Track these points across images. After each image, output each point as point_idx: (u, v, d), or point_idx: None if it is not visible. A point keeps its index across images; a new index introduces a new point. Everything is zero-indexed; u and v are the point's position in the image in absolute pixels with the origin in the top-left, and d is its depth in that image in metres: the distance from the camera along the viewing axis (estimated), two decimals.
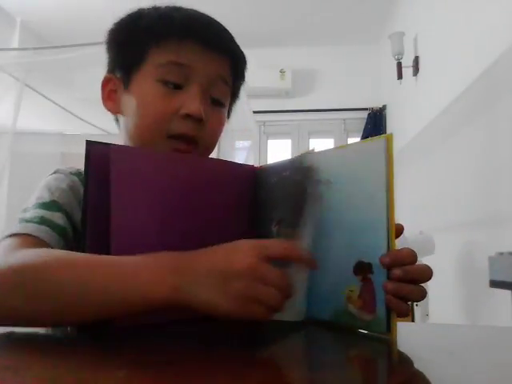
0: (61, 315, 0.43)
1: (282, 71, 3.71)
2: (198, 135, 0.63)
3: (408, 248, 0.46)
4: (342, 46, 3.84)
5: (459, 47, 2.06)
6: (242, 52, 0.69)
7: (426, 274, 0.45)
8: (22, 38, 3.24)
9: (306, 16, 3.48)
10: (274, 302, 0.42)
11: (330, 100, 3.71)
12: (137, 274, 0.43)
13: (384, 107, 3.63)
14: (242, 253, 0.43)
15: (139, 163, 0.51)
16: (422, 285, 0.45)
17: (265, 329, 0.49)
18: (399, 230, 0.47)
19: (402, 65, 2.77)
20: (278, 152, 3.92)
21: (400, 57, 2.78)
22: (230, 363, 0.35)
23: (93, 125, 3.63)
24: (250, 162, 0.97)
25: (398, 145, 3.25)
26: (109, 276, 0.43)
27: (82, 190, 0.59)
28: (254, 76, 3.17)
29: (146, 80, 0.64)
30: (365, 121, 3.67)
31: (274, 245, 0.45)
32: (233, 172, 0.59)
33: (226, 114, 0.71)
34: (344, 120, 3.81)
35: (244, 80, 0.74)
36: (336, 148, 0.53)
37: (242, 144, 3.51)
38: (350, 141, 3.85)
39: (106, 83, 0.71)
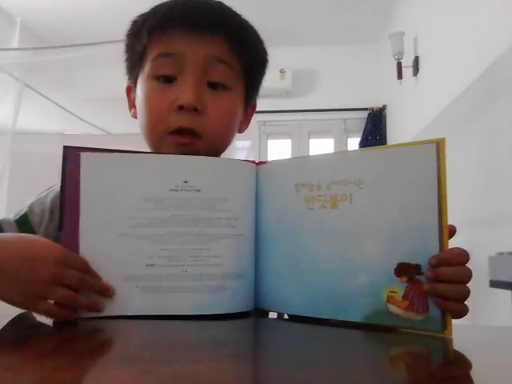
0: None
1: (281, 71, 3.71)
2: (198, 126, 0.60)
3: (458, 248, 0.46)
4: (342, 45, 3.84)
5: (459, 47, 2.06)
6: (241, 25, 0.65)
7: (463, 275, 0.45)
8: (22, 37, 3.24)
9: (305, 16, 3.47)
10: (71, 302, 0.48)
11: (330, 100, 3.71)
12: None
13: (384, 107, 3.63)
14: (45, 263, 0.47)
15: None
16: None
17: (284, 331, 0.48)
18: (452, 232, 0.47)
19: (402, 65, 2.77)
20: (278, 152, 3.92)
21: (400, 57, 2.78)
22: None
23: (93, 125, 3.64)
24: None
25: None
26: None
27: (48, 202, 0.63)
28: None
29: (144, 79, 0.63)
30: (365, 121, 3.66)
31: (73, 258, 0.49)
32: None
33: (238, 98, 0.66)
34: (344, 120, 3.81)
35: (259, 53, 0.68)
36: (371, 148, 0.52)
37: (241, 144, 3.52)
38: (350, 141, 3.85)
39: (128, 92, 0.72)
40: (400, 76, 2.78)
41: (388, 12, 3.35)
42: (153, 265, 0.52)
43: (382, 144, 3.54)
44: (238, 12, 0.67)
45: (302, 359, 0.36)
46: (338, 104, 3.70)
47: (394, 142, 3.36)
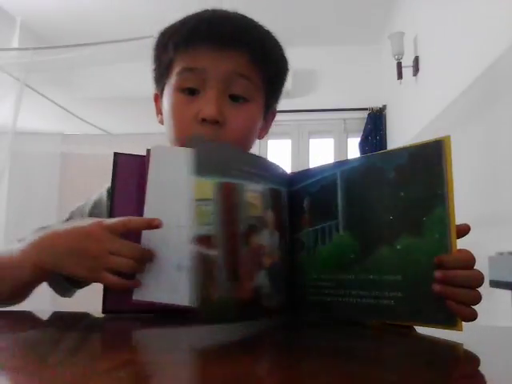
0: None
1: None
2: (219, 136, 0.64)
3: (466, 251, 0.46)
4: (342, 46, 3.84)
5: (459, 47, 2.06)
6: (262, 40, 0.68)
7: (474, 279, 0.45)
8: (22, 37, 3.23)
9: (306, 16, 3.47)
10: (126, 268, 0.53)
11: (330, 100, 3.71)
12: (12, 260, 0.58)
13: (384, 107, 3.63)
14: (94, 237, 0.54)
15: (137, 170, 0.58)
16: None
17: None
18: (464, 231, 0.47)
19: (402, 65, 2.77)
20: (278, 152, 3.92)
21: (400, 57, 2.78)
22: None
23: (93, 125, 3.63)
24: None
25: (397, 145, 3.25)
26: (5, 263, 0.59)
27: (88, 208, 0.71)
28: None
29: (170, 90, 0.68)
30: (365, 121, 3.66)
31: (118, 223, 0.54)
32: None
33: (258, 109, 0.69)
34: (344, 120, 3.81)
35: (280, 64, 0.72)
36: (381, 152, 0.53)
37: None
38: (350, 141, 3.85)
39: (155, 100, 0.76)
40: (400, 76, 2.78)
41: (388, 12, 3.35)
42: None
43: (382, 144, 3.54)
44: (254, 19, 0.69)
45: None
46: (338, 104, 3.70)
47: (394, 143, 3.37)
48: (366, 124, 3.65)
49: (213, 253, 0.44)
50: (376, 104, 3.65)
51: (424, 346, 0.45)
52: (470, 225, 0.49)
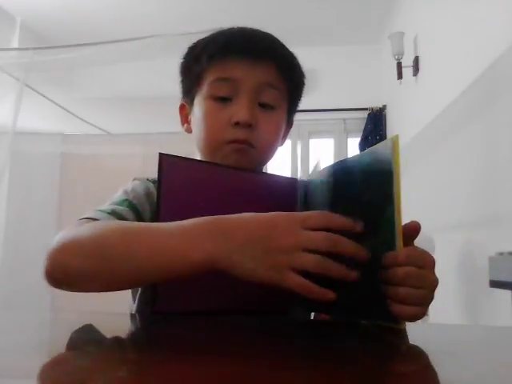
0: (120, 279, 0.49)
1: None
2: (251, 138, 0.69)
3: (408, 250, 0.47)
4: (342, 46, 3.84)
5: (459, 47, 2.06)
6: (288, 54, 0.74)
7: (411, 277, 0.45)
8: (22, 37, 3.23)
9: (305, 16, 3.47)
10: (323, 269, 0.44)
11: (330, 100, 3.71)
12: (170, 241, 0.47)
13: (384, 107, 3.63)
14: (282, 228, 0.45)
15: (185, 174, 0.59)
16: None
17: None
18: (414, 229, 0.48)
19: (402, 65, 2.77)
20: (278, 152, 3.91)
21: (400, 57, 2.78)
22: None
23: (93, 125, 3.63)
24: None
25: None
26: (150, 244, 0.48)
27: (155, 195, 0.62)
28: None
29: (202, 98, 0.72)
30: (365, 121, 3.66)
31: (313, 216, 0.47)
32: (273, 185, 0.65)
33: (283, 116, 0.75)
34: (344, 120, 3.80)
35: (301, 77, 0.78)
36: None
37: None
38: (350, 141, 3.85)
39: (181, 109, 0.81)
40: (400, 76, 2.78)
41: (388, 12, 3.35)
42: None
43: None
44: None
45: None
46: (338, 104, 3.70)
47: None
48: (366, 124, 3.65)
49: None
50: (376, 104, 3.65)
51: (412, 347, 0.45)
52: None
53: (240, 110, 0.69)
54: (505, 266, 1.25)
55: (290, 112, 0.78)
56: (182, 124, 0.81)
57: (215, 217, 0.47)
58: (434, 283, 0.47)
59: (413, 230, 0.48)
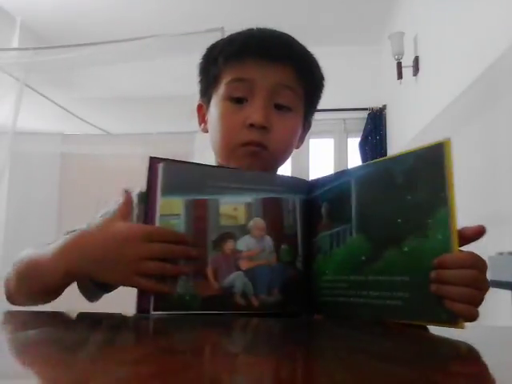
0: (32, 294, 0.63)
1: None
2: (265, 140, 0.70)
3: (464, 252, 0.48)
4: (341, 46, 3.84)
5: (459, 47, 2.06)
6: (305, 55, 0.74)
7: (466, 277, 0.46)
8: (22, 37, 3.23)
9: (305, 16, 3.48)
10: (157, 272, 0.54)
11: (330, 100, 3.68)
12: (48, 260, 0.58)
13: (384, 107, 3.63)
14: (127, 242, 0.55)
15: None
16: None
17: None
18: (478, 232, 0.48)
19: (402, 65, 2.78)
20: None
21: (400, 57, 2.78)
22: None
23: (93, 125, 3.64)
24: None
25: (397, 145, 3.25)
26: (41, 266, 0.60)
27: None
28: None
29: (218, 99, 0.72)
30: (365, 121, 3.66)
31: (155, 231, 0.56)
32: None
33: (299, 118, 0.75)
34: (344, 120, 3.81)
35: (318, 79, 0.78)
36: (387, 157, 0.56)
37: None
38: (350, 141, 3.85)
39: (199, 109, 0.81)
40: (400, 76, 2.78)
41: (388, 12, 3.35)
42: None
43: (382, 144, 3.54)
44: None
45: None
46: (338, 104, 3.70)
47: (394, 143, 3.37)
48: (366, 124, 3.65)
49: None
50: (376, 104, 3.65)
51: (427, 345, 0.45)
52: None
53: (255, 112, 0.69)
54: (505, 266, 1.25)
55: (307, 114, 0.78)
56: (200, 124, 0.81)
57: (79, 234, 0.60)
58: (486, 286, 0.48)
59: (477, 233, 0.49)
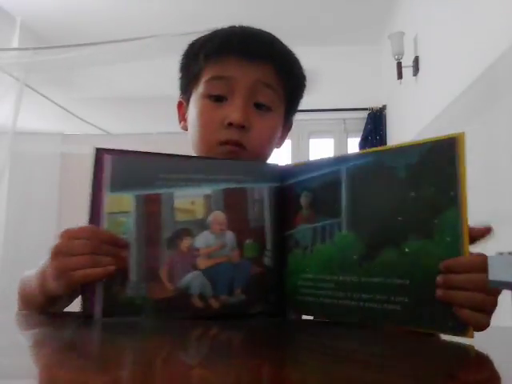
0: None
1: None
2: (244, 140, 0.68)
3: (473, 255, 0.45)
4: (342, 46, 3.83)
5: (459, 47, 2.06)
6: (287, 55, 0.73)
7: (474, 282, 0.44)
8: (22, 37, 3.23)
9: (305, 16, 3.47)
10: (83, 264, 0.51)
11: (330, 100, 3.70)
12: (34, 283, 0.58)
13: (384, 107, 3.63)
14: (59, 241, 0.53)
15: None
16: None
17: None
18: (481, 233, 0.46)
19: (402, 65, 2.77)
20: (278, 152, 3.91)
21: (400, 57, 2.77)
22: None
23: (93, 125, 3.63)
24: None
25: None
26: (30, 287, 0.60)
27: None
28: None
29: (198, 97, 0.71)
30: (365, 121, 3.66)
31: (83, 229, 0.53)
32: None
33: (279, 118, 0.74)
34: (344, 120, 3.80)
35: (300, 79, 0.76)
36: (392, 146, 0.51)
37: None
38: (350, 141, 3.85)
39: (179, 107, 0.80)
40: (400, 76, 2.78)
41: (388, 12, 3.35)
42: None
43: (382, 144, 3.54)
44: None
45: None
46: (338, 104, 3.70)
47: (394, 143, 3.36)
48: (366, 124, 3.64)
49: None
50: (376, 104, 3.65)
51: (428, 348, 0.45)
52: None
53: (234, 111, 0.68)
54: (505, 265, 1.25)
55: (288, 114, 0.77)
56: (180, 121, 0.80)
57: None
58: (499, 290, 0.45)
59: (484, 233, 0.46)
